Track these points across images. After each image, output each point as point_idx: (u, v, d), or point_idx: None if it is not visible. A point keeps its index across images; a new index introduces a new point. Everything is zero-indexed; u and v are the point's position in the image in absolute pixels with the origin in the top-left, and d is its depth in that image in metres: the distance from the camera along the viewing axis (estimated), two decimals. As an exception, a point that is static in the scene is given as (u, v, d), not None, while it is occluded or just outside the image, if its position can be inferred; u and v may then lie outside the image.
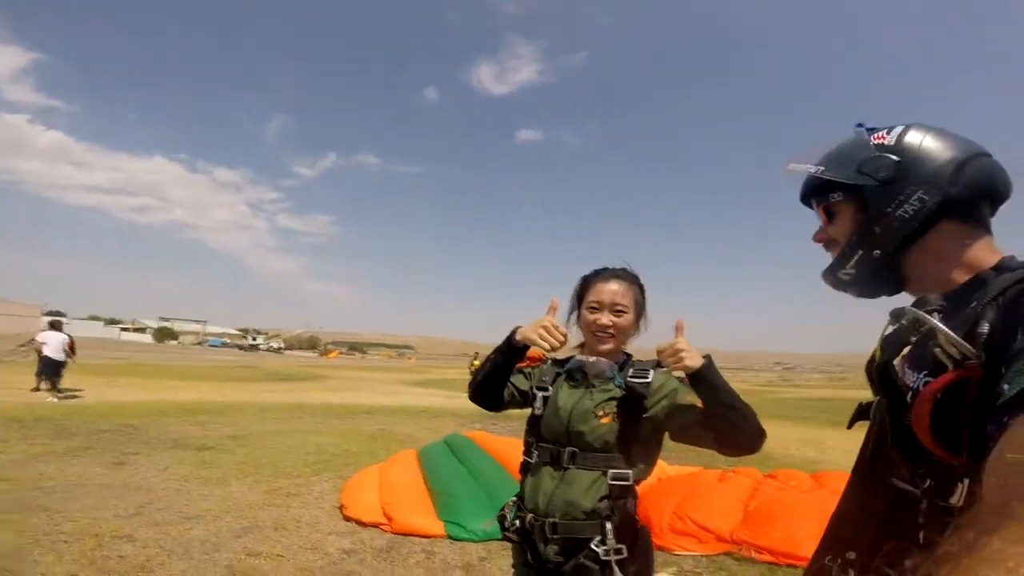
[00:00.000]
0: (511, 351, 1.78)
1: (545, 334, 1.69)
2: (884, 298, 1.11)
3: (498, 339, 1.85)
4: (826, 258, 1.15)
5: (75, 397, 11.80)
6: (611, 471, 1.65)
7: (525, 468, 1.81)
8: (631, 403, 1.68)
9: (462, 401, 16.10)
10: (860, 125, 1.08)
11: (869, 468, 1.07)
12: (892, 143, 1.00)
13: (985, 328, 0.79)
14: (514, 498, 1.83)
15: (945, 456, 0.80)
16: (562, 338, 1.71)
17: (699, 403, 1.61)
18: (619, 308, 1.76)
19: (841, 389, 39.82)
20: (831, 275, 1.11)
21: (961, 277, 0.94)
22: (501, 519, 1.81)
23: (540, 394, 1.79)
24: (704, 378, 1.53)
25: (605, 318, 1.75)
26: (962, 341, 0.79)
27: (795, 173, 1.13)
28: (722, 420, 1.56)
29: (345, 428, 9.99)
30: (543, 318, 1.74)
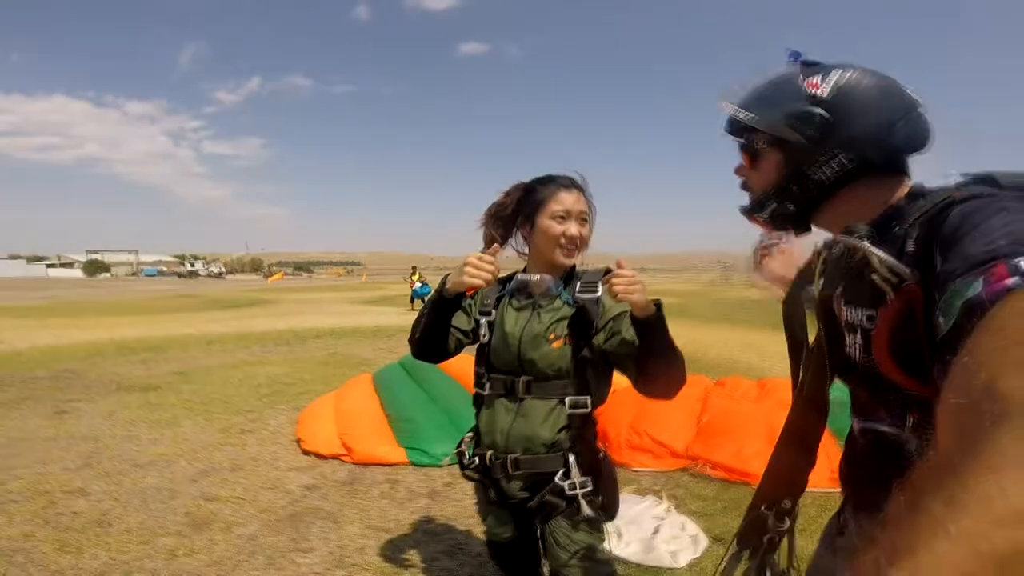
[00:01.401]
0: (444, 303, 1.61)
1: (474, 270, 1.51)
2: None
3: (448, 247, 1.70)
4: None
5: (1, 343, 11.13)
6: (568, 399, 1.58)
7: (478, 401, 1.73)
8: (582, 322, 1.58)
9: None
10: (795, 56, 1.03)
11: (798, 411, 1.13)
12: (825, 95, 0.96)
13: (912, 247, 0.82)
14: (470, 433, 1.76)
15: (920, 388, 0.81)
16: (492, 267, 1.53)
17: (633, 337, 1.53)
18: (583, 217, 1.65)
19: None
20: (748, 214, 1.12)
21: (875, 213, 0.95)
22: (460, 455, 1.76)
23: (484, 319, 1.68)
24: (650, 324, 1.44)
25: (574, 227, 1.62)
26: (896, 262, 0.81)
27: (729, 112, 1.08)
28: (654, 368, 1.50)
29: (296, 355, 9.83)
30: (467, 256, 1.55)
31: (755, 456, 3.89)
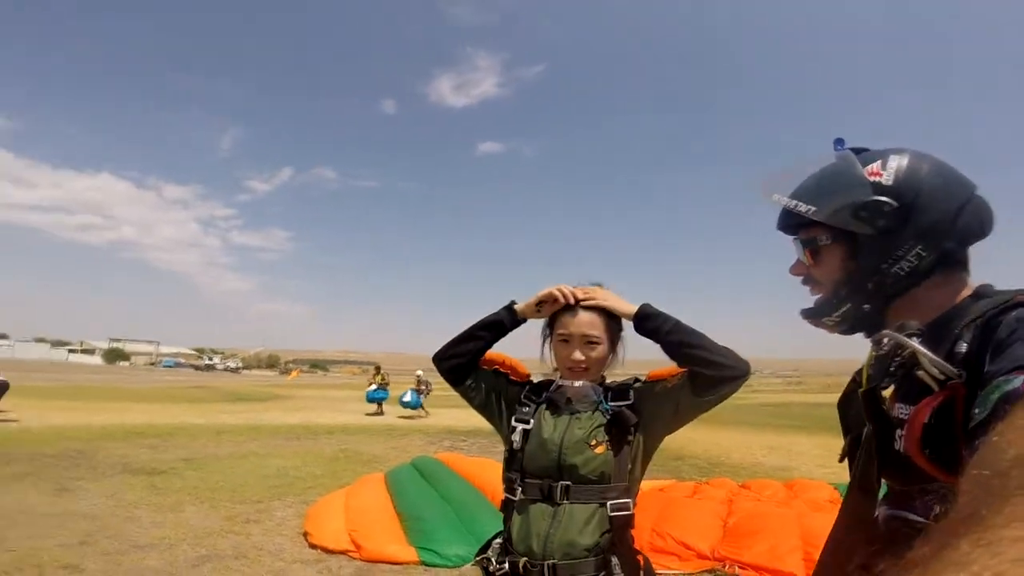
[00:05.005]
0: (500, 326, 1.72)
1: (557, 292, 1.63)
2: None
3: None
4: (800, 288, 1.11)
5: (15, 421, 11.05)
6: (610, 503, 1.52)
7: (508, 506, 1.63)
8: (620, 428, 1.57)
9: (431, 419, 15.93)
10: (840, 144, 1.02)
11: (855, 499, 1.07)
12: (890, 182, 0.93)
13: (963, 348, 0.81)
14: (498, 540, 1.65)
15: (947, 478, 0.79)
16: (572, 296, 1.63)
17: (663, 374, 1.59)
18: (591, 340, 1.62)
19: (799, 394, 41.20)
20: (813, 318, 1.07)
21: (938, 313, 0.93)
22: (484, 562, 1.63)
23: (520, 427, 1.63)
24: (647, 314, 1.56)
25: (577, 353, 1.62)
26: (942, 361, 0.80)
27: (782, 205, 1.04)
28: (684, 346, 1.52)
29: (307, 449, 9.61)
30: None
31: (790, 552, 3.78)
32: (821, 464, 8.73)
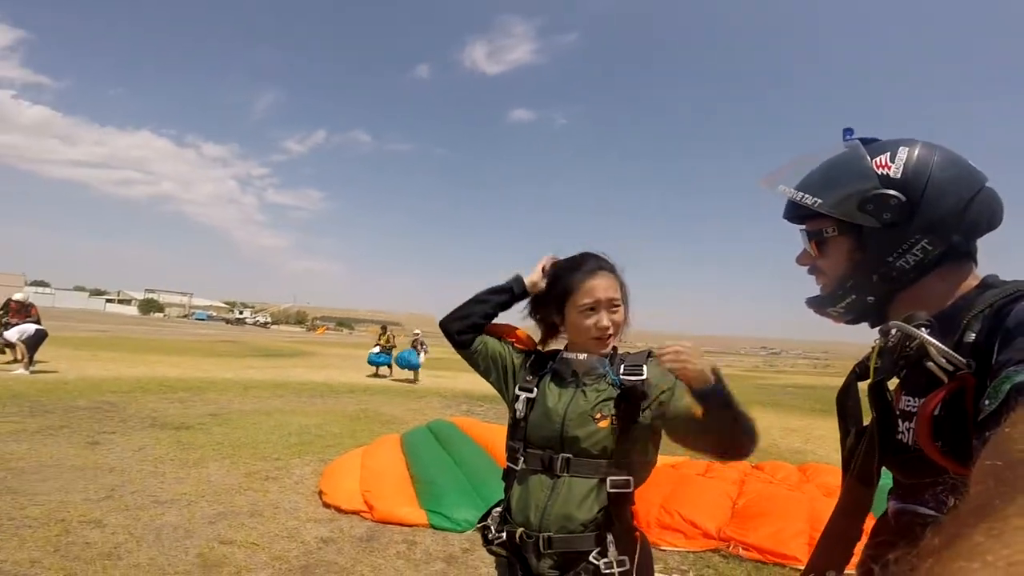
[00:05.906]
0: (509, 294, 1.74)
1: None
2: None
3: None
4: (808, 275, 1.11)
5: (53, 372, 11.51)
6: (610, 478, 1.51)
7: (510, 475, 1.65)
8: (628, 403, 1.53)
9: (449, 380, 16.20)
10: (849, 134, 1.01)
11: (852, 486, 1.07)
12: (897, 175, 0.93)
13: (971, 337, 0.81)
14: (498, 508, 1.68)
15: (957, 469, 0.80)
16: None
17: (695, 408, 1.46)
18: (615, 304, 1.61)
19: (826, 376, 40.74)
20: (818, 307, 1.08)
21: (946, 303, 0.94)
22: (484, 530, 1.66)
23: (523, 395, 1.63)
24: (708, 395, 1.37)
25: (606, 319, 1.59)
26: (951, 351, 0.80)
27: (787, 196, 1.04)
28: (724, 432, 1.43)
29: (329, 408, 9.85)
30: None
31: (795, 537, 3.81)
32: (837, 449, 8.37)
